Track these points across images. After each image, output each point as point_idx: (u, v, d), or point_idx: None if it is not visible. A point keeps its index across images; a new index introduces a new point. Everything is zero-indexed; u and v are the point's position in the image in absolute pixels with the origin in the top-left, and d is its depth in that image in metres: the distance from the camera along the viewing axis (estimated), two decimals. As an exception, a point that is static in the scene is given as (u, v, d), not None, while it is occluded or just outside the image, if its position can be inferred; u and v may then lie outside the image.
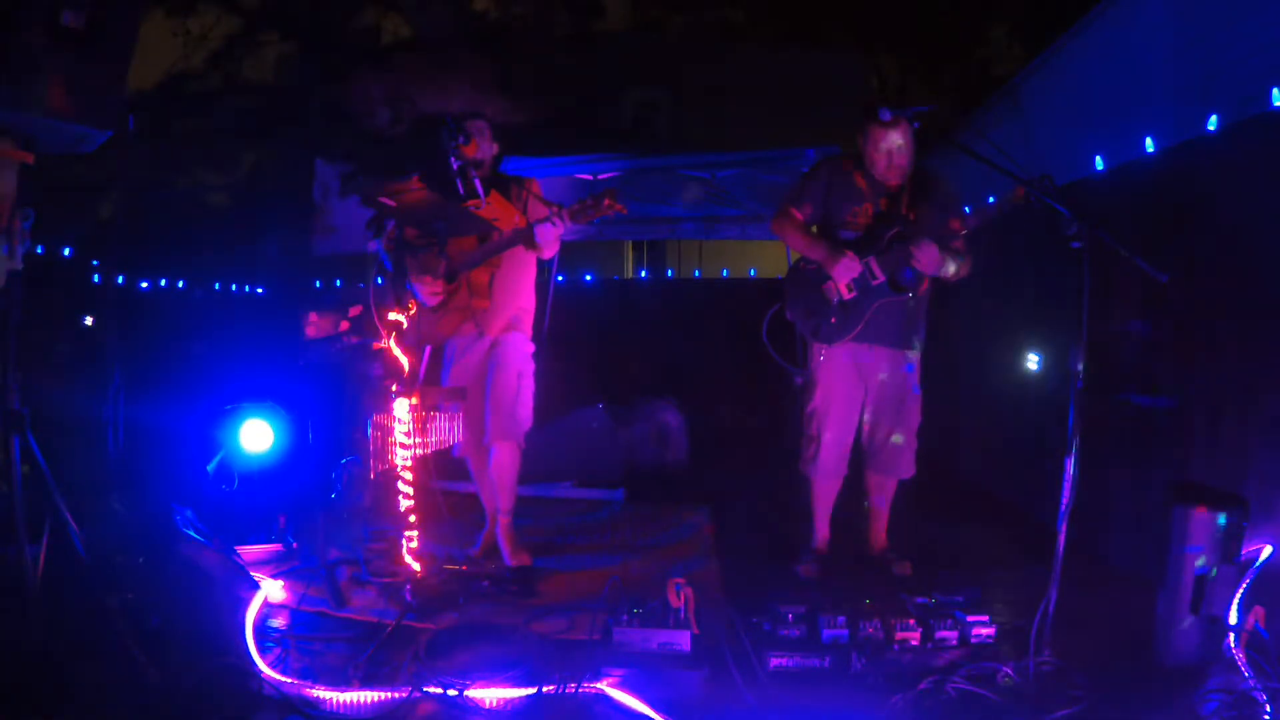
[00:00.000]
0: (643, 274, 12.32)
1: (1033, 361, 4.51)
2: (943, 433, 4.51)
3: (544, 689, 2.49)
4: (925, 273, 3.37)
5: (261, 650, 2.66)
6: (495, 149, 3.67)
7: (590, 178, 5.58)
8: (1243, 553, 2.67)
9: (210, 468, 3.93)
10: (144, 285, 5.91)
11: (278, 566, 3.63)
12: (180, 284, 6.23)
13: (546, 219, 3.35)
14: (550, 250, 3.48)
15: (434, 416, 3.26)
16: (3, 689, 2.25)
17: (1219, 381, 3.12)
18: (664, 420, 5.77)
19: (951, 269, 3.41)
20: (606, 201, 3.25)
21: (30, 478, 2.43)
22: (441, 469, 4.26)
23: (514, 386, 3.63)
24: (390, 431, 3.13)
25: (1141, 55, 3.59)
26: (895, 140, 3.36)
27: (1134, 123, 3.57)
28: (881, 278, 3.40)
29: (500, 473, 3.64)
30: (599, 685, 2.50)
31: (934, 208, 3.43)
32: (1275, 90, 2.75)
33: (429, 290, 3.47)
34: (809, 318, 3.56)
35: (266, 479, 4.07)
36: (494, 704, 2.46)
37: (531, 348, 3.76)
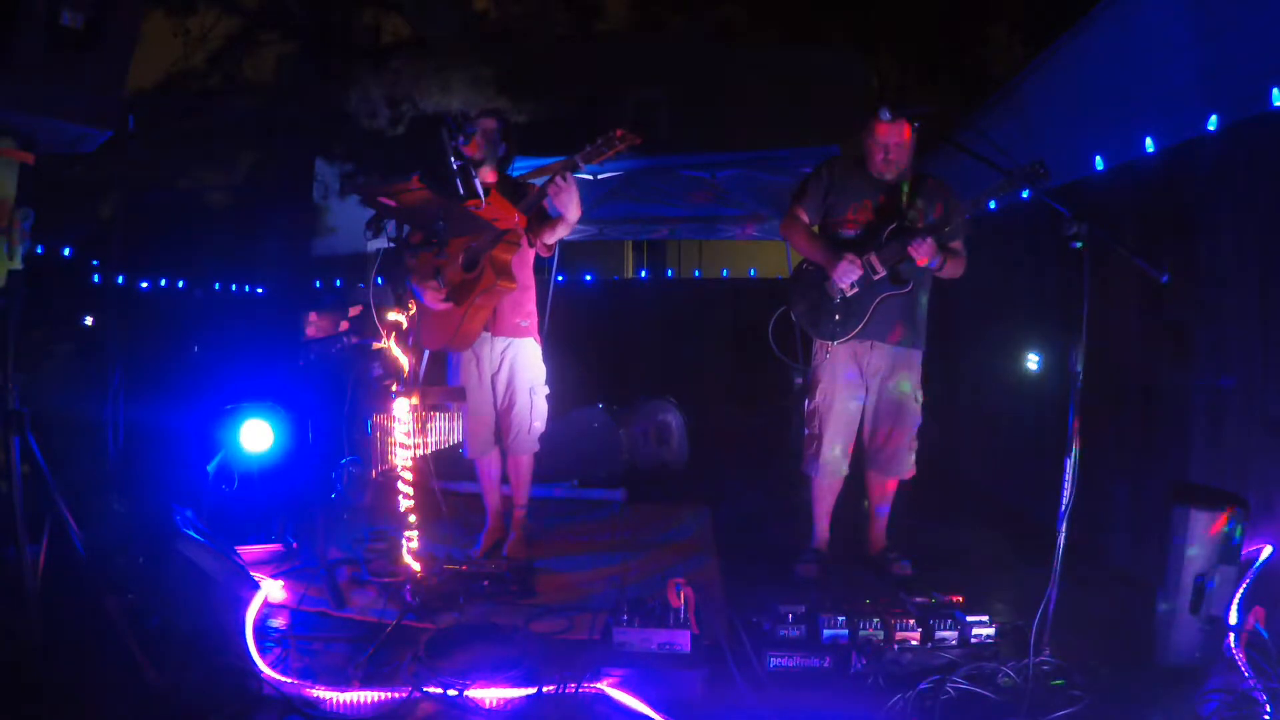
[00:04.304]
0: (643, 274, 12.32)
1: (1033, 361, 4.51)
2: (943, 433, 4.51)
3: (544, 689, 2.49)
4: (923, 266, 3.38)
5: (261, 650, 2.66)
6: (503, 149, 3.67)
7: (591, 178, 5.57)
8: (1243, 553, 2.67)
9: (210, 468, 3.93)
10: (144, 285, 5.90)
11: (278, 566, 3.63)
12: (180, 284, 6.22)
13: (559, 173, 3.30)
14: (566, 213, 3.43)
15: (434, 416, 3.26)
16: (3, 689, 2.25)
17: (1219, 381, 3.12)
18: (664, 420, 5.77)
19: (948, 264, 3.43)
20: (619, 134, 3.20)
21: (30, 478, 2.42)
22: (441, 469, 4.26)
23: (529, 404, 3.72)
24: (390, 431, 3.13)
25: (1141, 55, 3.60)
26: (894, 137, 3.39)
27: (1134, 123, 3.58)
28: (883, 272, 3.42)
29: (518, 476, 3.84)
30: (599, 685, 2.50)
31: (931, 204, 3.45)
32: (1275, 90, 2.75)
33: (433, 296, 3.46)
34: (812, 315, 3.58)
35: (266, 479, 4.07)
36: (494, 704, 2.46)
37: (539, 350, 3.77)
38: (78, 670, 2.33)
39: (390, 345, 3.19)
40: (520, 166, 5.04)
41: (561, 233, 3.56)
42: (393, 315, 3.21)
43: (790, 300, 3.66)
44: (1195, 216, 3.27)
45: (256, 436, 4.06)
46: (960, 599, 2.90)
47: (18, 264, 2.41)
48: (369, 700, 2.45)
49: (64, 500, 2.50)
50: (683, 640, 2.64)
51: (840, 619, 2.74)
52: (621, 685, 2.48)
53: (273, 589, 3.25)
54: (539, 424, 3.77)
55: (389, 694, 2.47)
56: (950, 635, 2.72)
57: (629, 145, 3.20)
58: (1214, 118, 3.09)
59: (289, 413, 4.17)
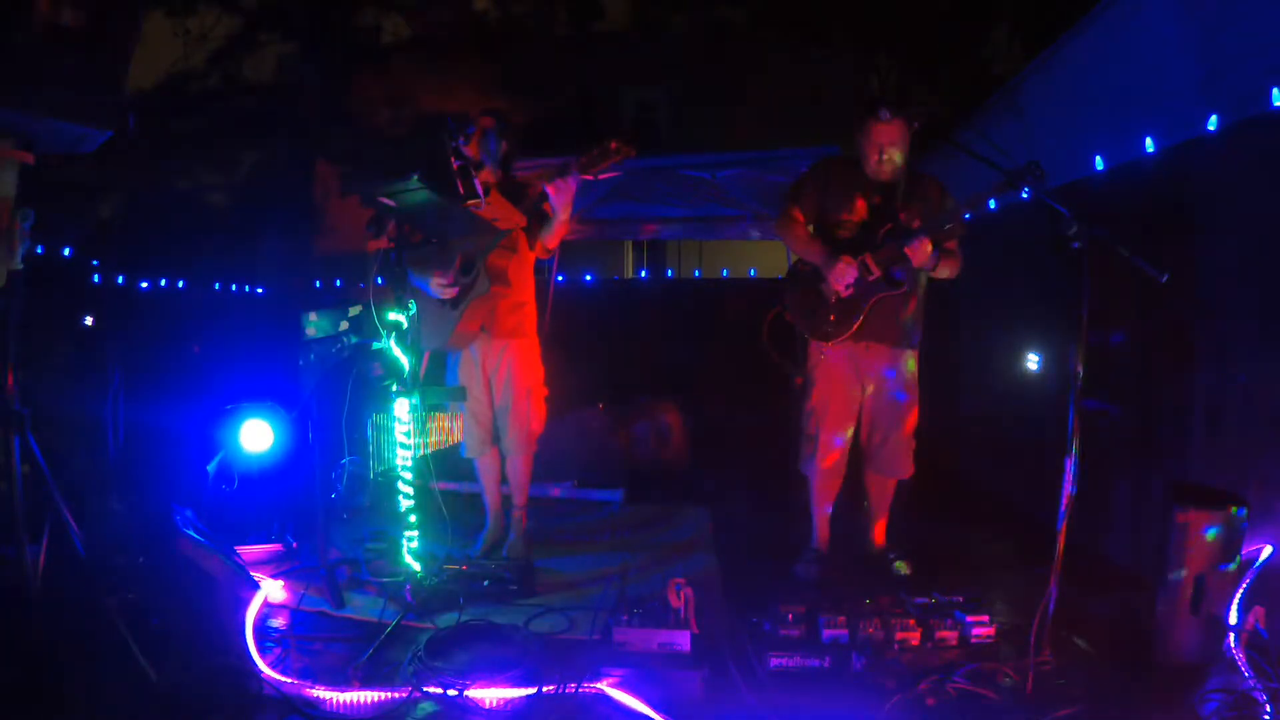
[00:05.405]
0: (643, 274, 12.31)
1: (1033, 362, 4.51)
2: (943, 433, 4.51)
3: (544, 689, 2.49)
4: (919, 267, 3.38)
5: (261, 650, 2.67)
6: (504, 147, 3.66)
7: (591, 178, 5.57)
8: (1243, 553, 2.67)
9: (210, 468, 3.93)
10: (144, 285, 5.90)
11: (278, 566, 3.64)
12: (180, 284, 6.22)
13: (557, 175, 3.29)
14: (564, 213, 3.44)
15: (434, 416, 3.26)
16: (3, 689, 2.25)
17: (1219, 381, 3.12)
18: (664, 420, 5.77)
19: (944, 265, 3.43)
20: (614, 145, 3.18)
21: (30, 478, 2.42)
22: (441, 469, 4.26)
23: (525, 404, 3.72)
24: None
25: (1141, 55, 3.60)
26: (889, 137, 3.38)
27: (1134, 123, 3.57)
28: (878, 273, 3.42)
29: (517, 475, 3.83)
30: (599, 685, 2.51)
31: (927, 205, 3.45)
32: (1275, 90, 2.75)
33: (439, 283, 3.45)
34: (807, 317, 3.57)
35: (266, 479, 4.07)
36: (494, 704, 2.47)
37: (538, 349, 3.77)
38: (78, 670, 2.33)
39: (390, 345, 3.19)
40: (520, 167, 5.05)
41: (559, 233, 3.57)
42: (393, 315, 3.21)
43: (785, 300, 3.66)
44: (1195, 216, 3.27)
45: (256, 436, 4.06)
46: (960, 599, 2.90)
47: (18, 264, 2.42)
48: (369, 700, 2.46)
49: (64, 500, 2.50)
50: (683, 640, 2.64)
51: (840, 619, 2.74)
52: (621, 685, 2.49)
53: (273, 589, 3.25)
54: (537, 424, 3.78)
55: (389, 694, 2.47)
56: (950, 635, 2.72)
57: (624, 157, 3.18)
58: (1214, 118, 3.08)
59: (289, 413, 4.17)
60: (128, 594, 2.58)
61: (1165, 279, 2.53)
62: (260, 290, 7.23)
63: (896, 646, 2.68)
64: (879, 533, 3.74)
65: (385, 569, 3.49)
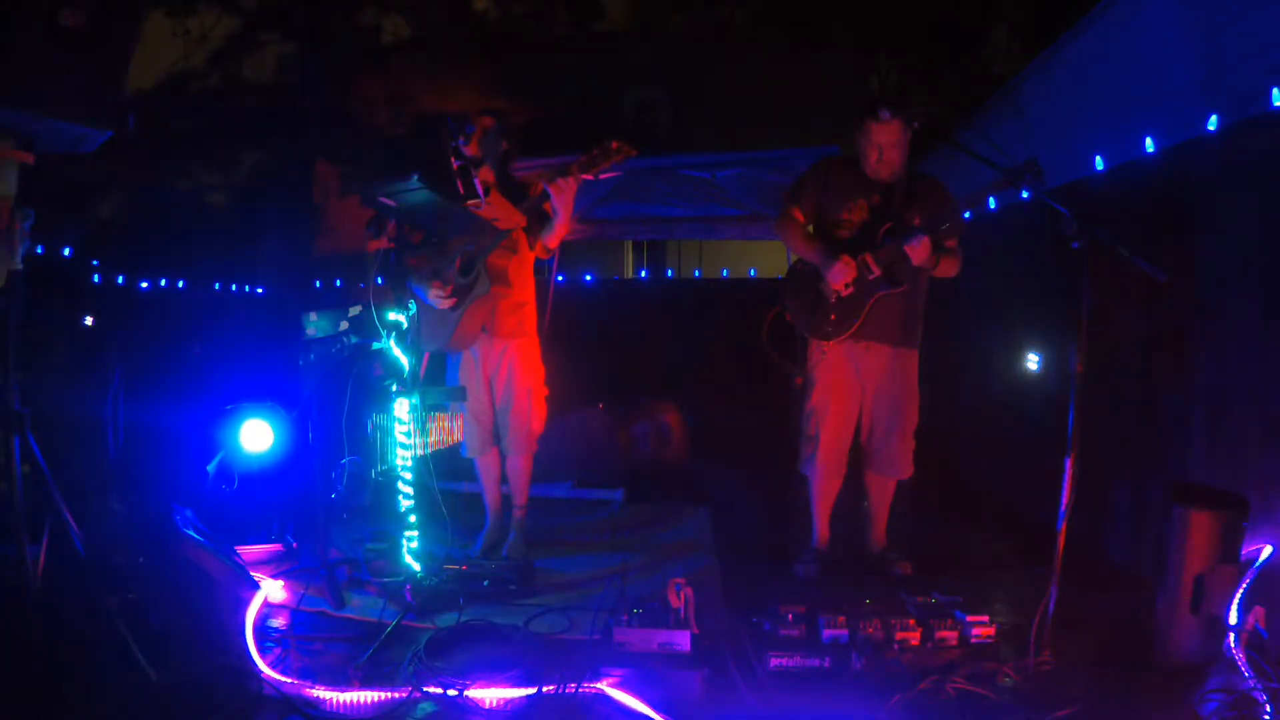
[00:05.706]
0: (643, 274, 12.31)
1: (1033, 361, 4.51)
2: (943, 433, 4.51)
3: (544, 689, 2.49)
4: (919, 266, 3.38)
5: (261, 650, 2.67)
6: (504, 147, 3.66)
7: (591, 178, 5.57)
8: (1243, 553, 2.67)
9: (210, 468, 3.93)
10: (144, 285, 5.90)
11: (278, 566, 3.63)
12: (180, 284, 6.22)
13: (558, 176, 3.28)
14: (564, 213, 3.44)
15: (434, 416, 3.26)
16: (3, 689, 2.25)
17: (1219, 381, 3.13)
18: (664, 420, 5.77)
19: (944, 264, 3.42)
20: (615, 145, 3.16)
21: (30, 478, 2.43)
22: (441, 469, 4.26)
23: (527, 404, 3.72)
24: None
25: (1141, 55, 3.60)
26: (888, 137, 3.38)
27: (1134, 123, 3.57)
28: (878, 272, 3.42)
29: (517, 476, 3.84)
30: (599, 685, 2.50)
31: (927, 204, 3.45)
32: (1275, 90, 2.75)
33: (438, 294, 3.46)
34: (808, 316, 3.57)
35: (266, 479, 4.07)
36: (494, 704, 2.47)
37: (538, 349, 3.78)
38: (78, 670, 2.33)
39: (390, 345, 3.19)
40: (520, 167, 5.04)
41: (559, 233, 3.57)
42: (393, 315, 3.21)
43: (785, 300, 3.66)
44: (1195, 216, 3.27)
45: (256, 436, 4.06)
46: (960, 599, 2.90)
47: (18, 264, 2.42)
48: (369, 700, 2.46)
49: (64, 500, 2.50)
50: (683, 640, 2.64)
51: (840, 619, 2.74)
52: (621, 685, 2.49)
53: (273, 589, 3.25)
54: (537, 424, 3.78)
55: (389, 694, 2.47)
56: (950, 635, 2.72)
57: (625, 157, 3.18)
58: (1214, 118, 3.09)
59: (289, 413, 4.17)
60: (128, 594, 2.58)
61: (1165, 279, 2.53)
62: (260, 290, 7.24)
63: (896, 646, 2.68)
64: (879, 533, 3.74)
65: (385, 569, 3.49)
